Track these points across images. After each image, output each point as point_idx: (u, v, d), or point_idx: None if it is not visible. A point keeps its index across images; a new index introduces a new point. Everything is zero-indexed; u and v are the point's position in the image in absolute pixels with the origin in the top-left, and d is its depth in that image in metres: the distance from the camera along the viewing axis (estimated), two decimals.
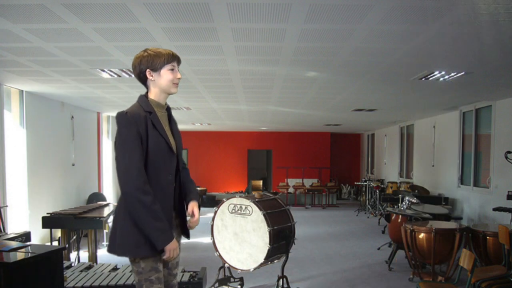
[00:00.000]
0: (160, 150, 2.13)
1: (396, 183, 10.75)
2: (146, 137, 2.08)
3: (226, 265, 4.17)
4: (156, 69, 2.15)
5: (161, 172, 2.15)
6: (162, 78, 2.16)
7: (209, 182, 14.16)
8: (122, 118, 2.06)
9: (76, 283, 3.64)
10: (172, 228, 2.20)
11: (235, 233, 4.02)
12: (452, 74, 4.71)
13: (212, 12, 2.88)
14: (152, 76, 2.16)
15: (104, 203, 6.28)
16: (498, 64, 4.24)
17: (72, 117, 7.59)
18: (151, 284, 2.14)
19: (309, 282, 4.94)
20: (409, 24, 3.07)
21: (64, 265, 4.17)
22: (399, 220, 5.49)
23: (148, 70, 2.15)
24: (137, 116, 2.08)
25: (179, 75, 2.22)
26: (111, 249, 2.15)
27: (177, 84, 2.23)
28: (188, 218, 2.32)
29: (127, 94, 6.37)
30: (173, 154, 2.22)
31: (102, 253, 6.31)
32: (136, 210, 2.02)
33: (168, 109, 2.32)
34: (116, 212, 2.16)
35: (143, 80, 2.21)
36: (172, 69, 2.18)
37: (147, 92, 2.24)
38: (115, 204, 6.22)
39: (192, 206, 2.34)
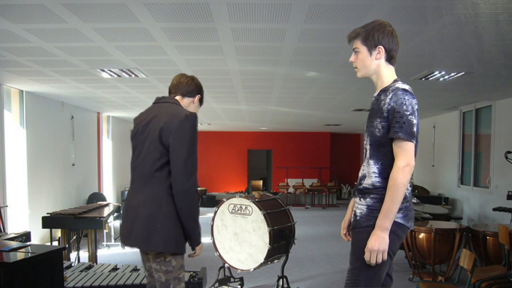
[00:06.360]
0: None
1: None
2: None
3: (226, 265, 4.17)
4: (199, 99, 2.49)
5: None
6: (196, 106, 2.49)
7: (209, 182, 14.16)
8: (195, 120, 2.22)
9: (76, 283, 3.64)
10: None
11: (235, 233, 4.02)
12: (452, 74, 4.71)
13: (212, 12, 2.88)
14: (194, 102, 2.46)
15: (104, 203, 6.27)
16: (498, 64, 4.23)
17: (72, 117, 7.59)
18: (179, 282, 2.18)
19: (309, 282, 4.94)
20: (409, 24, 3.07)
21: (64, 265, 4.17)
22: None
23: (198, 96, 2.47)
24: None
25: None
26: (150, 245, 2.13)
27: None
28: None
29: (127, 94, 6.36)
30: None
31: (102, 253, 6.31)
32: (193, 206, 2.16)
33: None
34: (155, 208, 2.13)
35: (188, 97, 2.43)
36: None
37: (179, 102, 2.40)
38: (115, 204, 6.22)
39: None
